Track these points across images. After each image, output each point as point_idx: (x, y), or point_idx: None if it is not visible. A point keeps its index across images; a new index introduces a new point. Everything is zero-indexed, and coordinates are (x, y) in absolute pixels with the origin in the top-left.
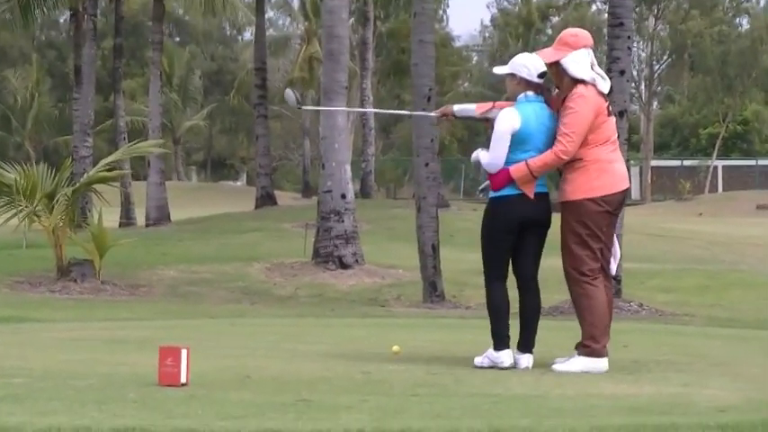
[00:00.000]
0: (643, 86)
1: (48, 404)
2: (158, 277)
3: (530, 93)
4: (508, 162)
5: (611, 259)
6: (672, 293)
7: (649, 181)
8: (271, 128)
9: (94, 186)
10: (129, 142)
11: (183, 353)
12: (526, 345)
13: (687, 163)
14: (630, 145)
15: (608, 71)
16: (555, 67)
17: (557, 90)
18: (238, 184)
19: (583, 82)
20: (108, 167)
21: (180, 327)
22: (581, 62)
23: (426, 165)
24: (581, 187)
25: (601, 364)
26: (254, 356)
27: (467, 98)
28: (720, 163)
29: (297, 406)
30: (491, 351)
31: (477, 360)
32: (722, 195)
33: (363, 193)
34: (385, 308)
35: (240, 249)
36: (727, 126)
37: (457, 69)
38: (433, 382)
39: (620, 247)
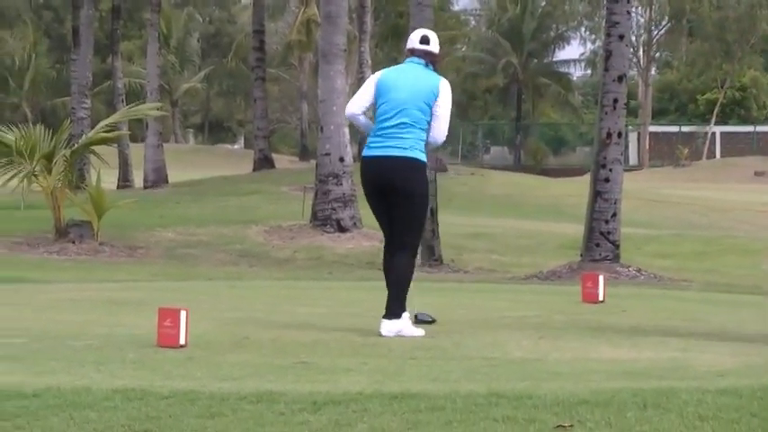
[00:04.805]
0: (641, 52)
1: (46, 364)
2: (156, 239)
3: (409, 58)
4: (376, 115)
5: None
6: (669, 259)
7: (647, 147)
8: (268, 91)
9: (93, 148)
10: (126, 104)
11: (182, 314)
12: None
13: (685, 129)
14: (628, 111)
15: (607, 35)
16: None
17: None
18: (236, 146)
19: None
20: (107, 129)
21: (178, 289)
22: None
23: None
24: None
25: None
26: (253, 319)
27: (464, 63)
28: (718, 129)
29: (295, 368)
30: (407, 321)
31: (391, 331)
32: (720, 161)
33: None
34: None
35: (238, 212)
36: (726, 92)
37: (455, 33)
38: (431, 346)
39: (619, 213)
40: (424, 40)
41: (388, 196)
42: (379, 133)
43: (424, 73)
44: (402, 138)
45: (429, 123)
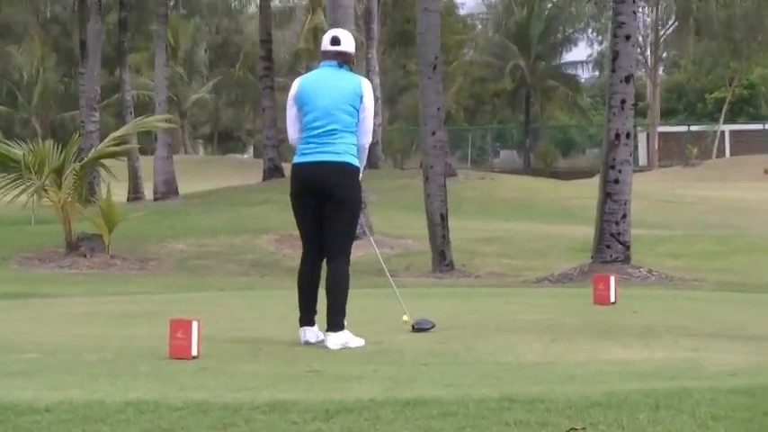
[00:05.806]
0: (649, 52)
1: (60, 378)
2: (167, 251)
3: (323, 61)
4: (303, 123)
5: None
6: (681, 259)
7: (656, 147)
8: (277, 100)
9: (103, 161)
10: (135, 116)
11: (194, 325)
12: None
13: (694, 128)
14: (637, 111)
15: (614, 36)
16: None
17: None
18: (245, 156)
19: None
20: (116, 142)
21: (190, 300)
22: None
23: (433, 133)
24: None
25: None
26: (265, 328)
27: (472, 67)
28: (727, 128)
29: (308, 377)
30: (349, 333)
31: (338, 344)
32: (730, 160)
33: (371, 163)
34: (394, 278)
35: (249, 222)
36: (734, 90)
37: (462, 38)
38: (443, 351)
39: (629, 214)
40: (335, 41)
41: (322, 203)
42: (310, 140)
43: (342, 75)
44: (334, 143)
45: (357, 126)
